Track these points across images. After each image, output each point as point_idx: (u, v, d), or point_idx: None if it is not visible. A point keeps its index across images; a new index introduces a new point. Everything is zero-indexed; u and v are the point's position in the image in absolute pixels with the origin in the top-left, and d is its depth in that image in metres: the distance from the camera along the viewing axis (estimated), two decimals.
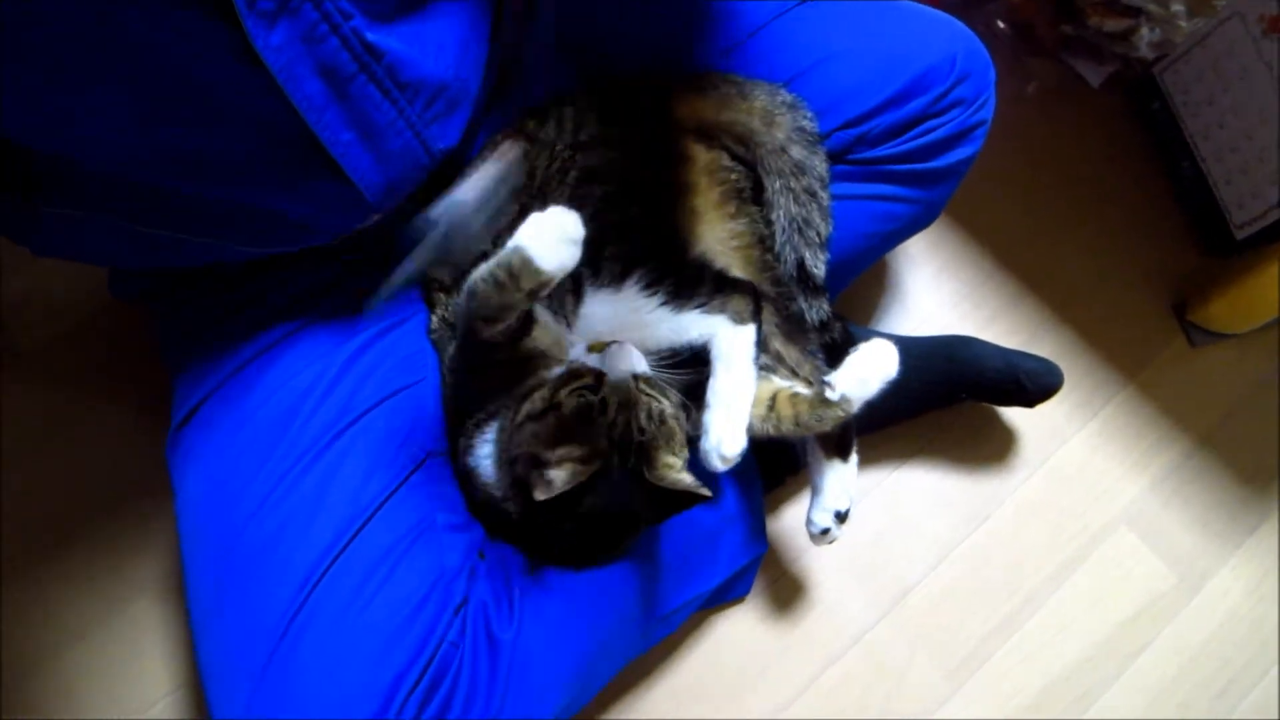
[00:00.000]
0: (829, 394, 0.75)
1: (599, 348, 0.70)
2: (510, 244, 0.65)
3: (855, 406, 0.75)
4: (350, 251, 0.81)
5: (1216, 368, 1.16)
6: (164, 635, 0.96)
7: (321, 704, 0.65)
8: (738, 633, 1.00)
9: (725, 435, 0.72)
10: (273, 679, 0.67)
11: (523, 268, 0.64)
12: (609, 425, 0.66)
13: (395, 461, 0.76)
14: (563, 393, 0.67)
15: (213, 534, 0.73)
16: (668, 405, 0.69)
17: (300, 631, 0.68)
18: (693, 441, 0.77)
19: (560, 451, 0.65)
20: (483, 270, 0.66)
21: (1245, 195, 1.14)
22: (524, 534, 0.75)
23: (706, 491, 0.67)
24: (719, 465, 0.73)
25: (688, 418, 0.74)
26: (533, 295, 0.65)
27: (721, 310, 0.73)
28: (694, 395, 0.75)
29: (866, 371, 0.74)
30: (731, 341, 0.73)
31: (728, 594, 0.98)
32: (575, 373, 0.69)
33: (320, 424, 0.75)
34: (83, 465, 1.02)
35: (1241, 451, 1.12)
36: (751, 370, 0.73)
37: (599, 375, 0.68)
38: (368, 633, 0.68)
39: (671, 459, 0.68)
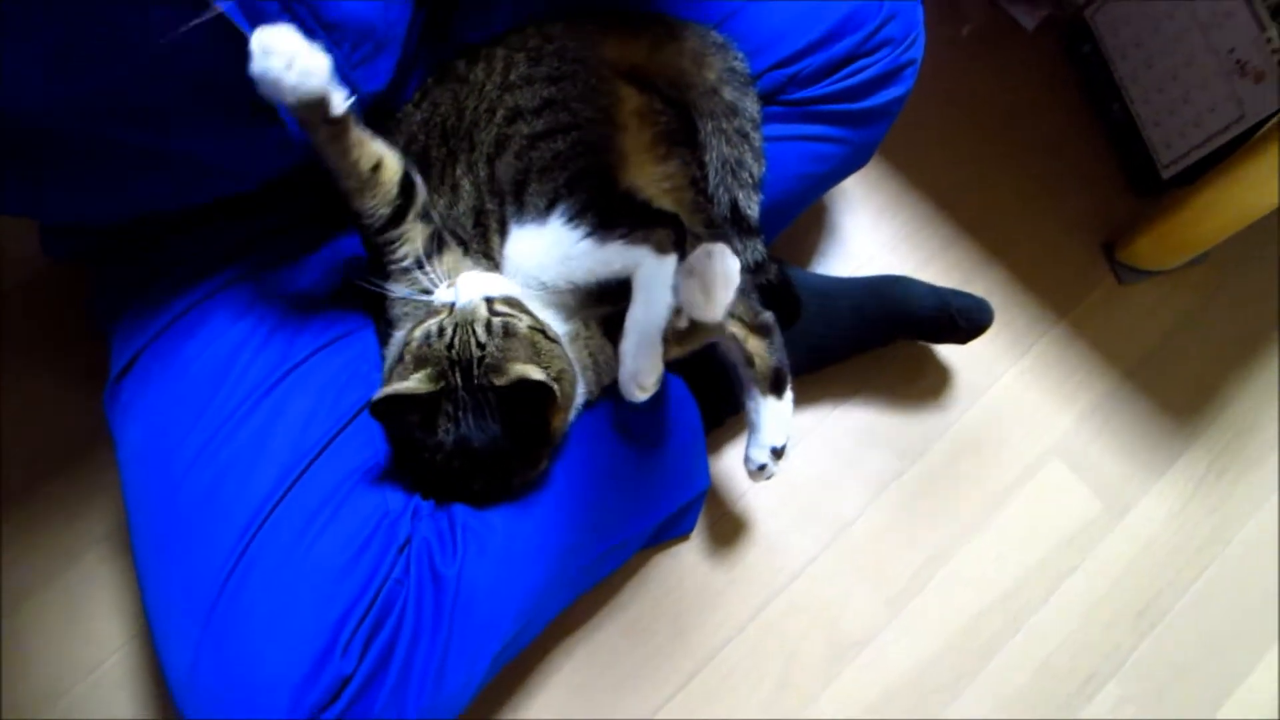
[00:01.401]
0: None
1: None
2: None
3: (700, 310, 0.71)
4: (283, 202, 0.80)
5: (1143, 304, 1.20)
6: (115, 588, 0.97)
7: (269, 642, 0.67)
8: (684, 569, 1.03)
9: (641, 364, 0.73)
10: (219, 621, 0.68)
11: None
12: (447, 346, 0.68)
13: (338, 406, 0.76)
14: (416, 330, 0.70)
15: (155, 481, 0.73)
16: (523, 320, 0.70)
17: (245, 573, 0.69)
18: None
19: (412, 380, 0.68)
20: None
21: (1172, 135, 1.17)
22: (424, 479, 0.77)
23: (541, 376, 0.67)
24: (638, 395, 0.74)
25: (600, 344, 0.77)
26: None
27: (645, 241, 0.73)
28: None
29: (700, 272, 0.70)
30: (652, 272, 0.73)
31: (672, 531, 1.01)
32: (433, 310, 0.71)
33: (261, 370, 0.76)
34: (21, 426, 1.01)
35: (1167, 384, 1.17)
36: (668, 300, 0.73)
37: (450, 307, 0.70)
38: (313, 572, 0.69)
39: (527, 368, 0.68)
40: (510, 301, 0.72)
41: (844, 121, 0.87)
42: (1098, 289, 1.20)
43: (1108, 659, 1.05)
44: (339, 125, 0.65)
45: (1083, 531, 1.10)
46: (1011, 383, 1.15)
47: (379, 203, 0.71)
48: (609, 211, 0.73)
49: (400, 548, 0.72)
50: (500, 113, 0.76)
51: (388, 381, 0.72)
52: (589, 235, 0.72)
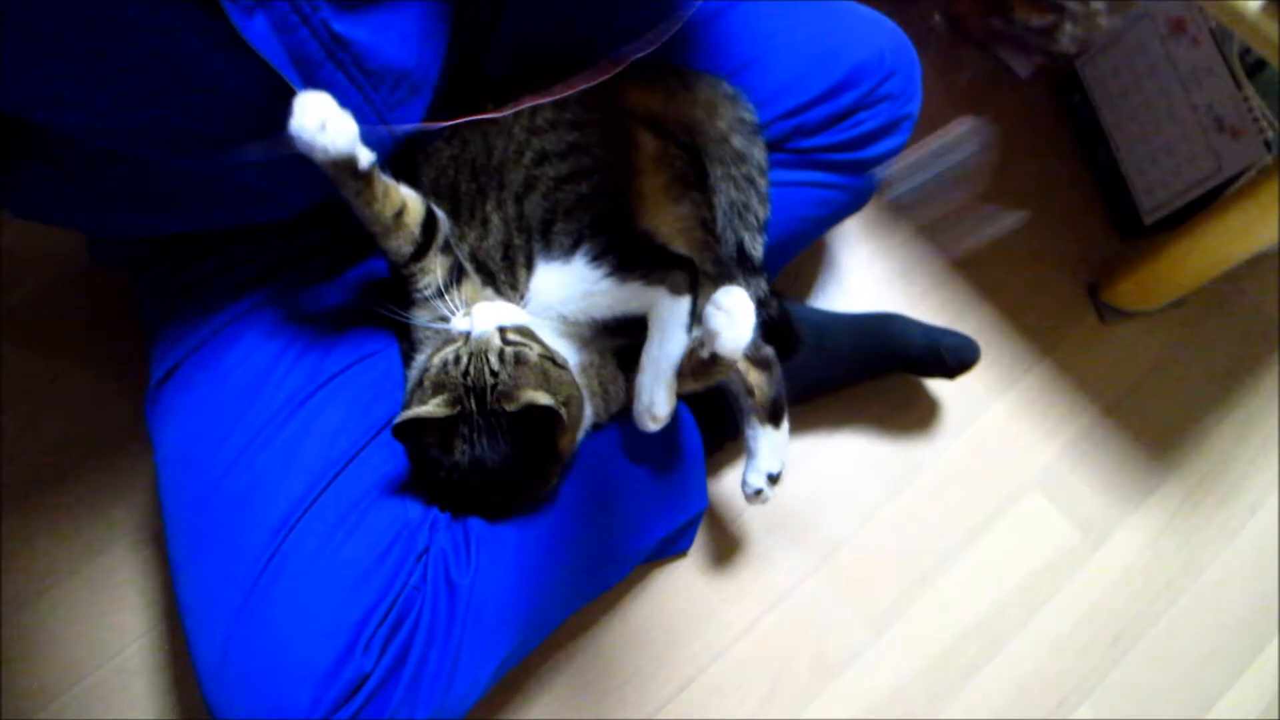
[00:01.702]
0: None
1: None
2: None
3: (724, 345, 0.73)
4: (320, 224, 0.86)
5: (1124, 343, 1.25)
6: (139, 580, 1.02)
7: (296, 636, 0.71)
8: (681, 584, 1.08)
9: (656, 397, 0.78)
10: (248, 618, 0.73)
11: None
12: (463, 374, 0.74)
13: (365, 420, 0.81)
14: (435, 357, 0.75)
15: (192, 485, 0.78)
16: (534, 348, 0.76)
17: (274, 575, 0.73)
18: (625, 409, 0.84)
19: (431, 405, 0.73)
20: None
21: (1154, 183, 1.23)
22: (442, 494, 0.82)
23: (549, 401, 0.72)
24: (651, 425, 0.79)
25: (611, 373, 0.82)
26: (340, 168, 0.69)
27: (661, 283, 0.78)
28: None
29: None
30: (668, 311, 0.78)
31: (671, 548, 1.05)
32: (451, 337, 0.76)
33: (294, 384, 0.80)
34: (58, 421, 1.06)
35: (1145, 420, 1.22)
36: (683, 338, 0.78)
37: (467, 335, 0.75)
38: (337, 576, 0.74)
39: (536, 394, 0.73)
40: (522, 331, 0.77)
41: (845, 169, 0.93)
42: (1081, 328, 1.25)
43: (1081, 683, 1.09)
44: (365, 179, 0.71)
45: (1059, 561, 1.14)
46: (997, 416, 1.20)
47: (403, 242, 0.76)
48: (629, 253, 0.78)
49: (418, 556, 0.77)
50: (528, 155, 0.81)
51: (408, 405, 0.77)
52: (610, 275, 0.78)
